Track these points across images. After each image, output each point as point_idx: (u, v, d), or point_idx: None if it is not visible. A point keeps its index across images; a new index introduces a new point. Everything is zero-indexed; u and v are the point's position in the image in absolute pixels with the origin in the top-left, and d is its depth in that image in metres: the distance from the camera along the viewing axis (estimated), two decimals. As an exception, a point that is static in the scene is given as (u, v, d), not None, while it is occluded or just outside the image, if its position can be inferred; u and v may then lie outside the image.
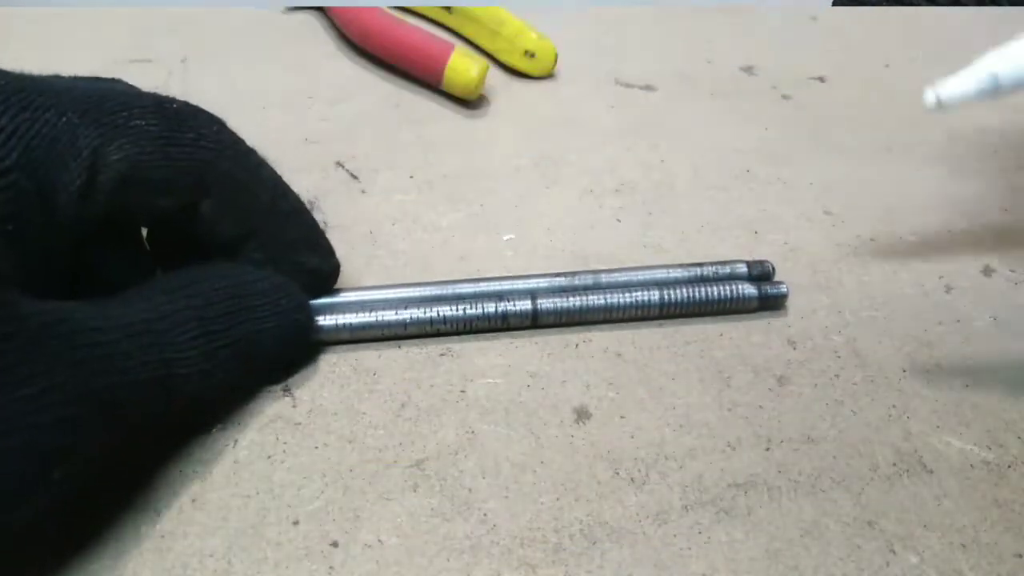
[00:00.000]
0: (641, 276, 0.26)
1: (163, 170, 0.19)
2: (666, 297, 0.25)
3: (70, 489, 0.17)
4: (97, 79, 0.22)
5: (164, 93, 0.21)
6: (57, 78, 0.19)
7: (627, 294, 0.25)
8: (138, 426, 0.18)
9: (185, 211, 0.21)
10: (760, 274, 0.27)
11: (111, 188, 0.19)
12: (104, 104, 0.19)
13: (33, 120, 0.17)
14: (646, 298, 0.25)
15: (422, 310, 0.24)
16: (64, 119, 0.18)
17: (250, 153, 0.22)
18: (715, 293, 0.25)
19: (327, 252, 0.24)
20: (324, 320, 0.24)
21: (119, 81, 0.21)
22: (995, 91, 0.18)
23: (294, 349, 0.23)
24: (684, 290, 0.25)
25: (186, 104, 0.21)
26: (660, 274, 0.27)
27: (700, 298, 0.25)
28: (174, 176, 0.20)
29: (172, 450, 0.21)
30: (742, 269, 0.27)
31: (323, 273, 0.24)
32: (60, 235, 0.18)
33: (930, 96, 0.20)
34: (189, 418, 0.21)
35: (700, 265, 0.27)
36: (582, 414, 0.23)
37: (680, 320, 0.26)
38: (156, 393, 0.18)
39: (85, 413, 0.16)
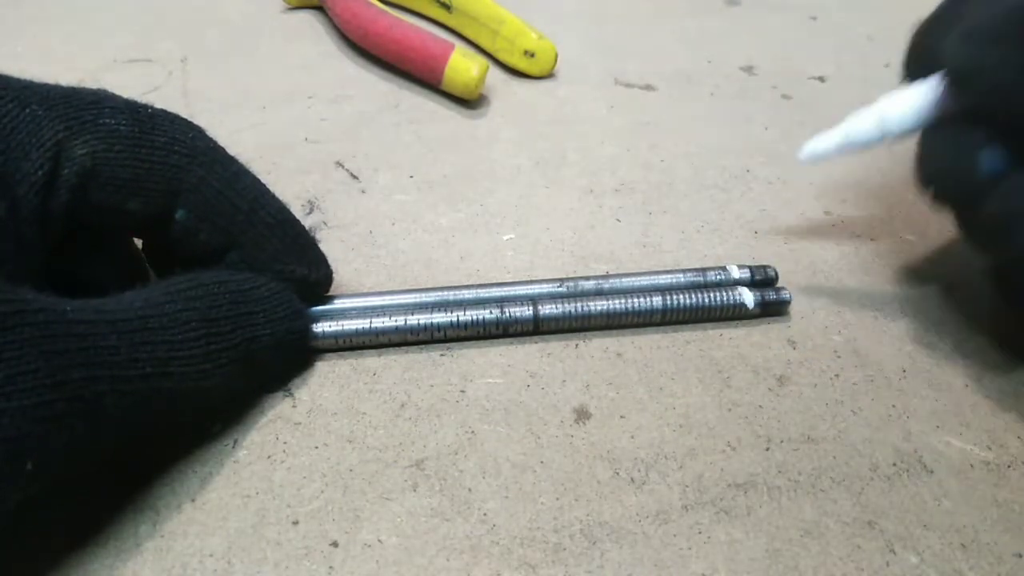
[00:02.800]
0: (643, 282, 0.26)
1: (130, 169, 0.19)
2: (668, 304, 0.25)
3: (46, 482, 0.16)
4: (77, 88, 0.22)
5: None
6: (29, 82, 0.19)
7: (629, 301, 0.25)
8: (129, 423, 0.18)
9: (160, 218, 0.21)
10: (763, 279, 0.27)
11: (75, 183, 0.18)
12: (72, 100, 0.19)
13: None
14: (648, 305, 0.25)
15: (422, 318, 0.24)
16: (27, 110, 0.18)
17: (228, 162, 0.22)
18: (717, 300, 0.25)
19: (315, 261, 0.24)
20: (324, 327, 0.24)
21: (100, 90, 0.21)
22: (849, 147, 0.24)
23: (292, 356, 0.23)
24: (686, 297, 0.25)
25: (163, 111, 0.21)
26: (663, 280, 0.26)
27: (702, 305, 0.25)
28: (142, 176, 0.20)
29: (172, 450, 0.21)
30: (745, 274, 0.27)
31: (310, 282, 0.24)
32: (25, 227, 0.18)
33: (803, 154, 0.25)
34: (188, 419, 0.21)
35: (703, 271, 0.27)
36: (582, 414, 0.23)
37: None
38: (145, 391, 0.18)
39: (59, 404, 0.16)
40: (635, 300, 0.25)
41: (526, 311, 0.25)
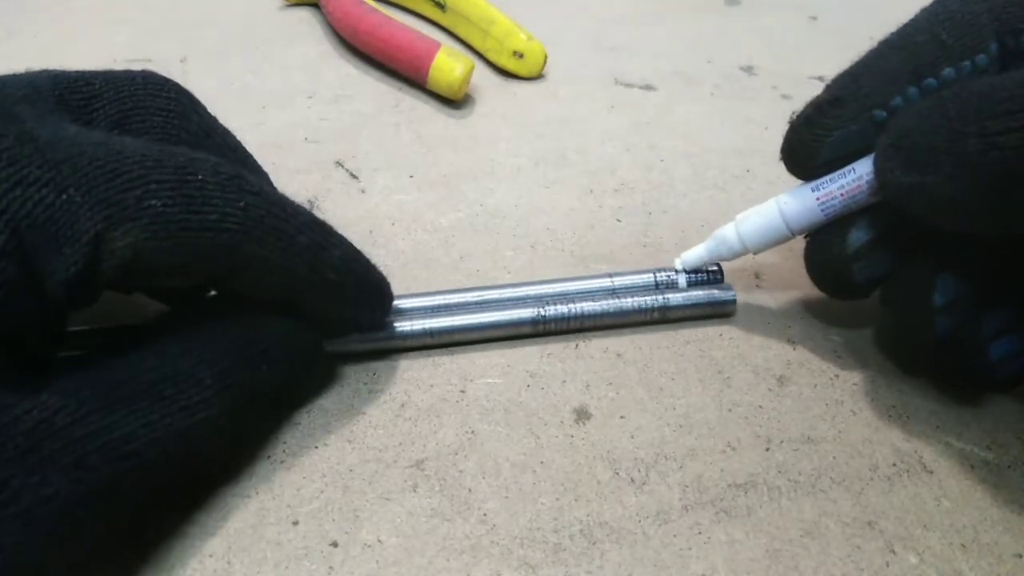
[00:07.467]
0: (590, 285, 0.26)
1: (176, 256, 0.18)
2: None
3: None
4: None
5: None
6: (70, 140, 0.17)
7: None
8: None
9: (206, 286, 0.20)
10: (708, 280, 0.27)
11: (113, 276, 0.17)
12: (116, 179, 0.17)
13: (25, 199, 0.15)
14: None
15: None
16: (64, 196, 0.16)
17: (283, 225, 0.19)
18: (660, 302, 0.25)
19: (379, 300, 0.23)
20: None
21: (148, 154, 0.18)
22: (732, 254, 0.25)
23: (304, 384, 0.23)
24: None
25: (214, 173, 0.18)
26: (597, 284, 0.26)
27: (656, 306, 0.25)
28: (189, 260, 0.18)
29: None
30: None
31: (372, 322, 0.24)
32: (43, 318, 0.17)
33: (677, 264, 0.26)
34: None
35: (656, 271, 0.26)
36: (582, 414, 0.23)
37: (680, 319, 0.26)
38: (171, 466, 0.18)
39: (86, 514, 0.16)
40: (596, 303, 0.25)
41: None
